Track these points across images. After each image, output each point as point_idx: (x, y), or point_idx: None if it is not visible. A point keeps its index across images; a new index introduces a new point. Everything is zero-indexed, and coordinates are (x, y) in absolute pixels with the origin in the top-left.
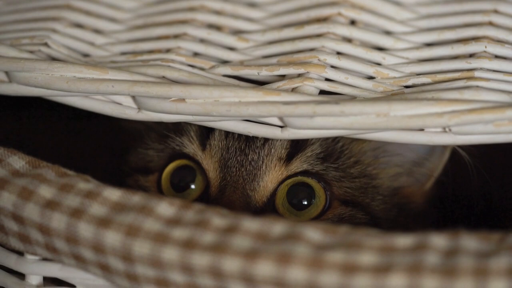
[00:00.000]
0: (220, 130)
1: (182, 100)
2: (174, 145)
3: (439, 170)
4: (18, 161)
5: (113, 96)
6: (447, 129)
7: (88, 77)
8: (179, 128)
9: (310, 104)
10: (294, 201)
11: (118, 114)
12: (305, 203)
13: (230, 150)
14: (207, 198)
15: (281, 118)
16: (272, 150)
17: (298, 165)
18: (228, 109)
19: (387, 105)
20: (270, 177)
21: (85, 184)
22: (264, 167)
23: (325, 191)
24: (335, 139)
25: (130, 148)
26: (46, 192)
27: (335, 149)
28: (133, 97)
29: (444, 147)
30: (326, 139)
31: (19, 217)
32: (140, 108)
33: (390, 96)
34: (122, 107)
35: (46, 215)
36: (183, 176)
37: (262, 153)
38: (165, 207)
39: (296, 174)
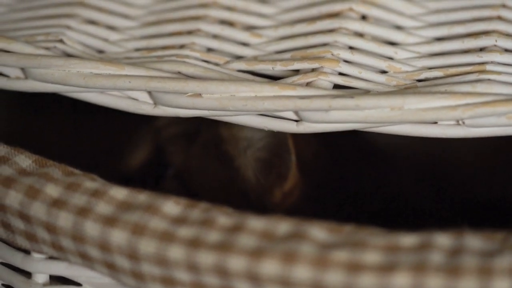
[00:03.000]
0: None
1: (199, 95)
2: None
3: (291, 170)
4: (25, 160)
5: (129, 92)
6: (460, 122)
7: (105, 73)
8: None
9: (326, 98)
10: None
11: (134, 109)
12: None
13: None
14: None
15: (296, 112)
16: None
17: None
18: (244, 103)
19: (401, 99)
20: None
21: (91, 183)
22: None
23: None
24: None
25: None
26: (52, 191)
27: None
28: (149, 93)
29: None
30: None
31: (25, 215)
32: (156, 103)
33: (404, 90)
34: (139, 102)
35: (52, 213)
36: None
37: None
38: (171, 206)
39: None
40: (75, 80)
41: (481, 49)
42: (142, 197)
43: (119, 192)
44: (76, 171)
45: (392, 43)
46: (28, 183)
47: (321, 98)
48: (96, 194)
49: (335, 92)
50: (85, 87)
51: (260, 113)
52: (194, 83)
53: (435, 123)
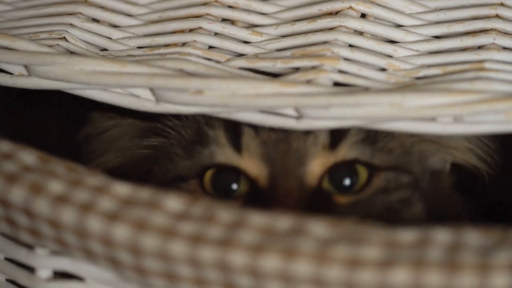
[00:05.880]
0: (249, 128)
1: (200, 92)
2: (203, 157)
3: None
4: (28, 156)
5: (132, 89)
6: (459, 119)
7: (108, 70)
8: (203, 137)
9: (326, 95)
10: (338, 184)
11: (137, 106)
12: (348, 183)
13: (269, 143)
14: (255, 195)
15: (297, 109)
16: (315, 134)
17: (345, 152)
18: (245, 101)
19: (400, 96)
20: (317, 162)
21: (94, 179)
22: (310, 152)
23: (368, 171)
24: None
25: (155, 166)
26: (56, 187)
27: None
28: (152, 90)
29: None
30: None
31: (29, 211)
32: (158, 100)
33: (403, 87)
34: (141, 99)
35: (56, 209)
36: (224, 180)
37: (306, 138)
38: (173, 202)
39: (344, 162)
40: (78, 77)
41: (480, 47)
42: (145, 192)
43: (122, 188)
44: (80, 167)
45: (391, 41)
46: (31, 179)
47: (321, 95)
48: (99, 190)
49: (335, 89)
50: (88, 84)
51: (261, 110)
52: (196, 80)
53: (434, 119)
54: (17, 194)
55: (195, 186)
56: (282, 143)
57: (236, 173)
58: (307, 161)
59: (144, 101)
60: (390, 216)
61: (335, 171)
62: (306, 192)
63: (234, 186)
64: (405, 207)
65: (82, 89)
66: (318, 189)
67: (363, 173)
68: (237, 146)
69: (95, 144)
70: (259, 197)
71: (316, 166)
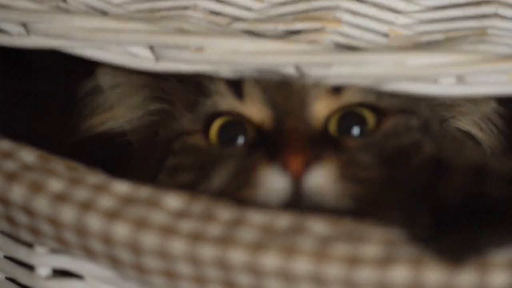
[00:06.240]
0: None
1: (201, 49)
2: (206, 108)
3: None
4: (28, 155)
5: (131, 48)
6: (461, 79)
7: (108, 27)
8: (205, 91)
9: (327, 53)
10: (345, 129)
11: (136, 65)
12: (356, 132)
13: (272, 87)
14: (261, 141)
15: (298, 68)
16: None
17: (350, 96)
18: (246, 58)
19: (403, 55)
20: (322, 104)
21: (94, 177)
22: (313, 94)
23: (376, 115)
24: None
25: (160, 129)
26: (56, 185)
27: None
28: (152, 48)
29: None
30: None
31: (29, 209)
32: (158, 58)
33: (405, 47)
34: (141, 58)
35: (56, 207)
36: (230, 133)
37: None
38: (173, 200)
39: (350, 106)
40: (78, 34)
41: (482, 17)
42: (145, 191)
43: (122, 186)
44: (79, 166)
45: (393, 11)
46: (31, 178)
47: (322, 53)
48: (99, 188)
49: (337, 48)
50: (88, 41)
51: (262, 68)
52: (196, 37)
53: (436, 80)
54: (17, 193)
55: (199, 139)
56: (284, 86)
57: (241, 122)
58: (310, 102)
59: (144, 60)
60: (401, 160)
61: (342, 119)
62: (312, 133)
63: (241, 140)
64: (416, 150)
65: (81, 48)
66: (324, 132)
67: (370, 119)
68: (239, 93)
69: (102, 97)
70: (265, 142)
71: (321, 107)
